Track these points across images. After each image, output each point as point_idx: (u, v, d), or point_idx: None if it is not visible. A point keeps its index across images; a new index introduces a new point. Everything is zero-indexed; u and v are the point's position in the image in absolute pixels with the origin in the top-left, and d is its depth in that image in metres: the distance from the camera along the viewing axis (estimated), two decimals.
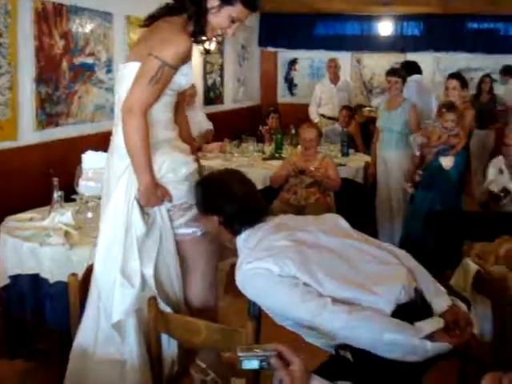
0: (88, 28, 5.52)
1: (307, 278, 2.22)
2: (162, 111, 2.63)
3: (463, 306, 2.37)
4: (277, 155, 6.41)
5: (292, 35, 9.79)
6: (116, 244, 2.61)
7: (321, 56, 9.86)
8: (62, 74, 5.26)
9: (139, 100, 2.47)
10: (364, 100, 9.70)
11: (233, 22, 2.60)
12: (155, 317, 2.43)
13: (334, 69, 8.19)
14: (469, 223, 4.46)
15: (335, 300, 2.17)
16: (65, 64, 5.28)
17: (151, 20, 2.66)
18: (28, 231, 3.38)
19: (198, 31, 2.58)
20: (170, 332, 2.45)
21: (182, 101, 2.91)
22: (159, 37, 2.51)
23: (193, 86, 5.25)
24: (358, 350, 2.19)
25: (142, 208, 2.61)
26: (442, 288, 2.38)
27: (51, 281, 3.23)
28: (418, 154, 5.57)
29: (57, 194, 3.52)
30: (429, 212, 5.03)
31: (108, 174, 2.75)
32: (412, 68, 7.26)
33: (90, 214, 3.42)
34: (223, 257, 3.00)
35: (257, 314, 2.73)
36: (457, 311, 2.29)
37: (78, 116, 5.52)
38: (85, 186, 3.44)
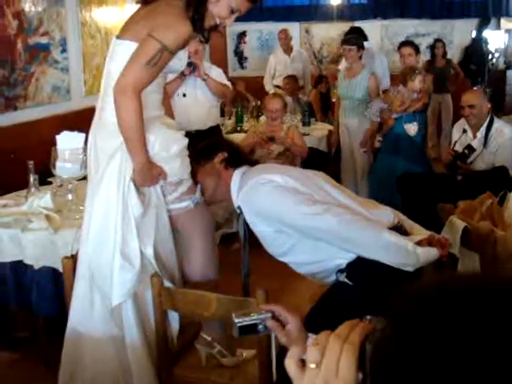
0: (40, 7, 5.34)
1: (309, 190, 2.41)
2: (153, 92, 2.60)
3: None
4: (238, 128, 6.38)
5: None
6: (111, 225, 2.57)
7: (269, 28, 9.83)
8: (18, 55, 5.10)
9: (134, 81, 2.41)
10: (314, 70, 9.72)
11: (232, 12, 2.56)
12: (159, 293, 2.41)
13: (284, 40, 8.14)
14: (439, 185, 4.56)
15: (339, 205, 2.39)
16: (20, 45, 5.11)
17: None
18: (7, 218, 3.28)
19: (198, 19, 2.51)
20: (177, 307, 2.44)
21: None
22: (163, 20, 2.45)
23: (199, 43, 4.92)
24: (354, 271, 2.36)
25: (137, 188, 2.58)
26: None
27: (36, 267, 3.16)
28: (378, 120, 5.64)
29: (33, 178, 3.43)
30: (396, 177, 5.10)
31: (95, 153, 2.69)
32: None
33: (70, 196, 3.35)
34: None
35: (247, 267, 2.81)
36: (436, 236, 2.51)
37: (35, 98, 5.36)
38: (62, 168, 3.35)
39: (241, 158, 2.72)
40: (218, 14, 2.56)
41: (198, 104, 5.05)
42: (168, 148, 2.62)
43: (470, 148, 4.54)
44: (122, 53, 2.49)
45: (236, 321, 1.51)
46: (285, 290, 4.18)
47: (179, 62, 2.59)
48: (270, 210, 2.41)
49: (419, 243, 2.34)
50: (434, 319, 0.66)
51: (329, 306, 2.39)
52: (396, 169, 5.21)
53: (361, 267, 2.36)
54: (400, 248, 2.30)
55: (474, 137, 4.62)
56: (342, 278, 2.39)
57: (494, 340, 0.62)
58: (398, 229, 2.45)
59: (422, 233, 2.50)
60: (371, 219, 2.40)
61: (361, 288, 2.33)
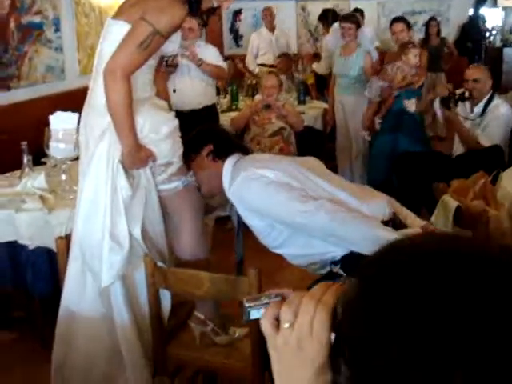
0: None
1: (302, 185, 2.39)
2: (143, 73, 2.58)
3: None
4: (233, 107, 6.36)
5: None
6: (100, 207, 2.58)
7: (265, 5, 9.72)
8: (11, 34, 5.06)
9: (124, 64, 2.41)
10: (310, 47, 9.67)
11: None
12: (152, 273, 2.42)
13: (269, 17, 8.08)
14: (435, 164, 4.56)
15: (331, 201, 2.35)
16: (12, 24, 5.07)
17: None
18: (1, 198, 3.29)
19: (195, 1, 2.49)
20: (169, 286, 2.45)
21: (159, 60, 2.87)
22: (156, 4, 2.44)
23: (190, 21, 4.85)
24: (348, 264, 2.35)
25: (126, 171, 2.58)
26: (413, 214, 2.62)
27: (31, 247, 3.17)
28: (379, 99, 5.58)
29: (27, 159, 3.43)
30: (394, 154, 5.08)
31: (85, 133, 2.68)
32: (333, 16, 7.45)
33: (63, 177, 3.35)
34: (207, 211, 3.00)
35: (241, 255, 2.87)
36: (430, 227, 2.53)
37: (29, 78, 5.34)
38: (56, 148, 3.34)
39: (230, 146, 2.70)
40: None
41: (194, 83, 5.03)
42: (157, 130, 2.61)
43: (469, 94, 4.50)
44: (114, 33, 2.48)
45: (247, 305, 1.52)
46: (279, 268, 4.19)
47: (171, 44, 2.57)
48: (261, 206, 2.40)
49: None
50: (398, 282, 0.69)
51: None
52: (397, 147, 5.15)
53: (355, 260, 2.34)
54: None
55: (472, 111, 4.61)
56: (336, 269, 2.40)
57: (452, 303, 0.65)
58: (393, 221, 2.45)
59: (415, 222, 2.50)
60: (365, 215, 2.38)
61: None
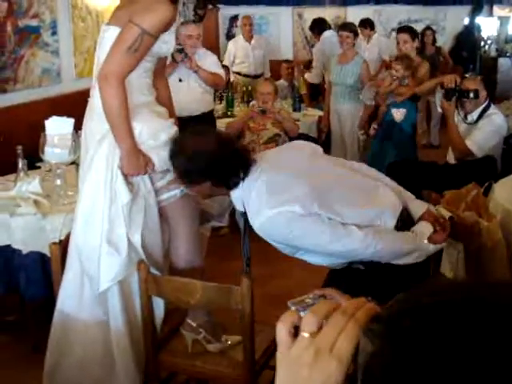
0: None
1: (328, 212, 2.35)
2: (139, 77, 2.60)
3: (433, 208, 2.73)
4: (229, 113, 6.38)
5: None
6: (98, 212, 2.59)
7: (261, 12, 9.78)
8: (7, 38, 5.07)
9: (115, 68, 2.43)
10: (306, 55, 9.69)
11: None
12: (146, 280, 2.43)
13: (248, 27, 8.05)
14: (427, 173, 4.58)
15: (358, 226, 2.37)
16: (9, 28, 5.08)
17: None
18: None
19: None
20: (162, 294, 2.46)
21: (162, 66, 2.87)
22: (142, 4, 2.47)
23: (196, 28, 4.93)
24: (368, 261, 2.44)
25: (125, 177, 2.59)
26: (412, 195, 2.70)
27: (24, 251, 3.18)
28: (372, 103, 5.65)
29: (22, 163, 3.43)
30: (385, 163, 5.13)
31: (86, 138, 2.70)
32: (324, 25, 7.56)
33: (58, 181, 3.35)
34: (205, 221, 3.00)
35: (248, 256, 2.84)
36: (434, 212, 2.61)
37: (25, 81, 5.34)
38: (51, 153, 3.35)
39: (232, 176, 2.41)
40: None
41: (191, 90, 5.04)
42: (156, 137, 2.62)
43: (474, 94, 4.47)
44: (107, 39, 2.51)
45: (292, 308, 1.54)
46: (274, 274, 4.21)
47: (165, 45, 2.58)
48: (292, 242, 2.38)
49: (430, 239, 2.47)
50: (433, 336, 0.63)
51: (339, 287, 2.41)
52: (387, 155, 5.23)
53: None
54: (417, 250, 2.44)
55: (465, 118, 4.60)
56: (356, 265, 2.47)
57: (495, 361, 0.59)
58: (403, 218, 2.50)
59: (416, 206, 2.58)
60: (386, 230, 2.43)
61: (372, 273, 2.44)
